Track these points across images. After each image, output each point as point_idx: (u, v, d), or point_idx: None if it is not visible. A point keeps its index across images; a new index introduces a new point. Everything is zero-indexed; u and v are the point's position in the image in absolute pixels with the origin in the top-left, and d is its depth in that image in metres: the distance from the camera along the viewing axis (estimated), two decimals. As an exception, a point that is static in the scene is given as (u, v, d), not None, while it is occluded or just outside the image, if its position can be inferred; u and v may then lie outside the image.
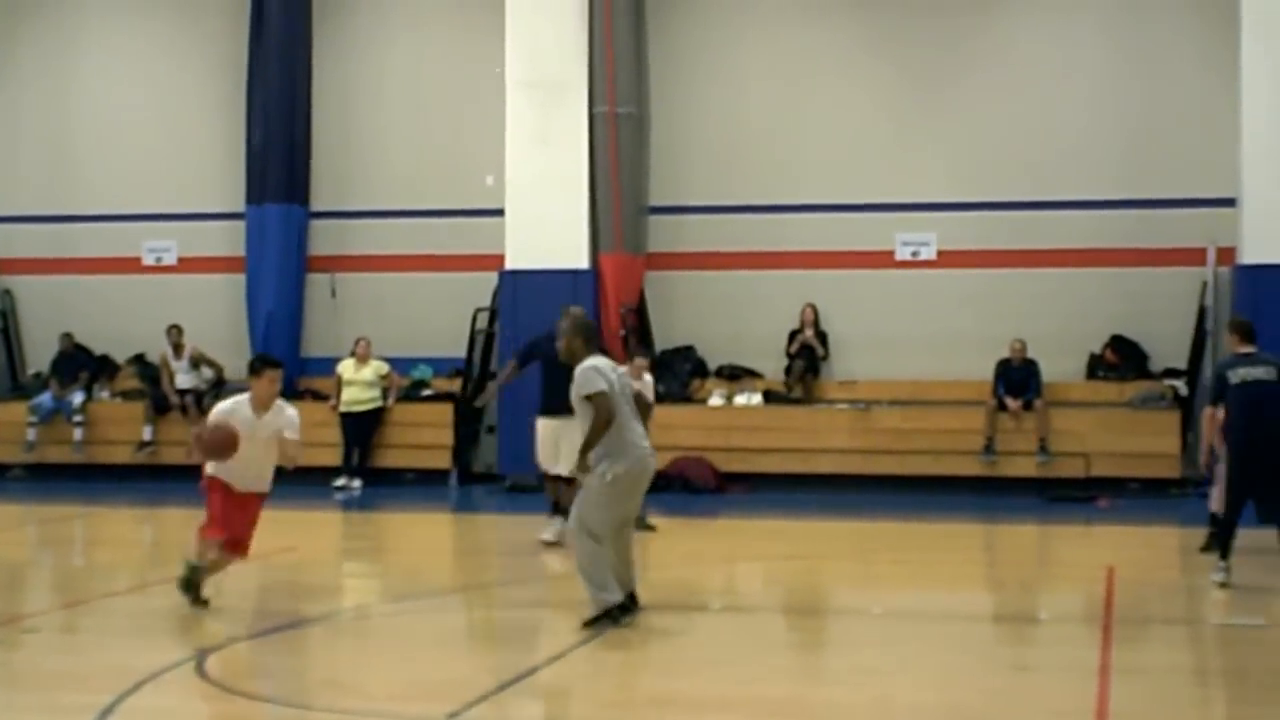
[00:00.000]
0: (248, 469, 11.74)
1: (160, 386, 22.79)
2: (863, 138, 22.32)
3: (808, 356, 21.76)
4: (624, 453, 11.12)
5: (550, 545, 15.28)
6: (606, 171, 21.73)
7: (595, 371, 11.16)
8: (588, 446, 11.07)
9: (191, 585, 11.79)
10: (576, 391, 11.18)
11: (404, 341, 22.76)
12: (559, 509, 15.14)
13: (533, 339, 16.26)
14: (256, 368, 11.92)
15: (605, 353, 11.72)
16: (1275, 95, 19.68)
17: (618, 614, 11.10)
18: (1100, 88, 21.71)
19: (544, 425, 15.45)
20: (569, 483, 14.22)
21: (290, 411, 11.88)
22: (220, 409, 11.87)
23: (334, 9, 23.64)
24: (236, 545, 11.85)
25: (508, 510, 19.75)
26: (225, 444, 11.46)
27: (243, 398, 11.86)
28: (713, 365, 22.36)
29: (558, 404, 13.60)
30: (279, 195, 23.14)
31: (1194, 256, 20.90)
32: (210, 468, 11.80)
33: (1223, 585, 12.81)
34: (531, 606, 12.79)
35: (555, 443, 15.18)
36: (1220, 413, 13.15)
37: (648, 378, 16.60)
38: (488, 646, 11.54)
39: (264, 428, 11.68)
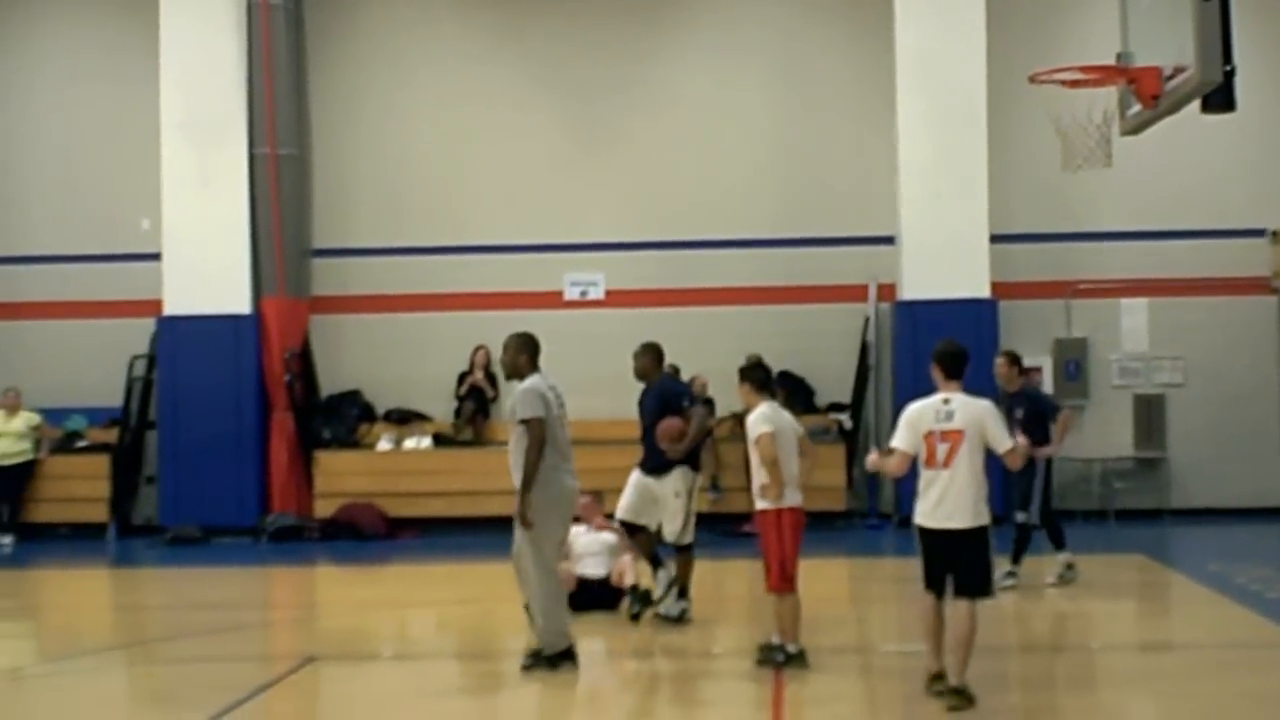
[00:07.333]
0: None
1: None
2: (530, 179, 22.28)
3: (477, 398, 21.59)
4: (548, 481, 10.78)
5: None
6: (268, 214, 21.29)
7: (535, 394, 10.83)
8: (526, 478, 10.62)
9: None
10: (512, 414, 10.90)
11: (56, 391, 21.85)
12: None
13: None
14: None
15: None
16: (929, 140, 20.38)
17: (558, 660, 10.75)
18: (764, 132, 22.09)
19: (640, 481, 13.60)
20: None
21: None
22: None
23: (-23, 47, 22.70)
24: None
25: (169, 563, 19.18)
26: None
27: None
28: (381, 409, 22.02)
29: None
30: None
31: (856, 293, 21.43)
32: None
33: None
34: (195, 662, 12.30)
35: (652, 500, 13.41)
36: None
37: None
38: (150, 705, 11.08)
39: None
